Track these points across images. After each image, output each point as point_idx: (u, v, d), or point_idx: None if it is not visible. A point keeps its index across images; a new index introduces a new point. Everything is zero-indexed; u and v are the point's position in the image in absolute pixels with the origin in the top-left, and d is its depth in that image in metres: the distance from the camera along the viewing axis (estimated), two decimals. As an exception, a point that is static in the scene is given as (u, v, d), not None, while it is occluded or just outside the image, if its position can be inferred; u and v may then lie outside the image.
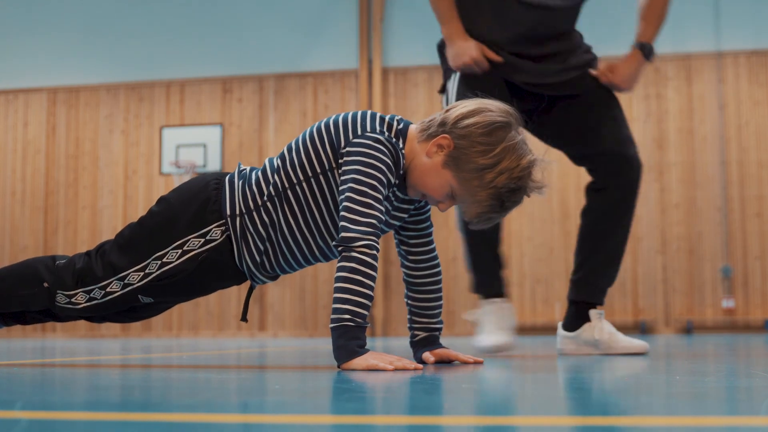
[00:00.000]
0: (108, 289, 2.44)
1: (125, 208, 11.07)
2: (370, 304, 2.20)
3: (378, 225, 2.24)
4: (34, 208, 11.30)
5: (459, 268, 10.34)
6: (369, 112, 2.37)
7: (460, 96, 2.99)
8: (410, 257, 2.54)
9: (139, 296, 2.45)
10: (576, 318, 3.22)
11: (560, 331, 3.28)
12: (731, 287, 9.90)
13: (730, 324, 9.83)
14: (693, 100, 10.16)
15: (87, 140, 11.33)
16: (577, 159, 3.27)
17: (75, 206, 11.20)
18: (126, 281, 2.43)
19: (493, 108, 2.29)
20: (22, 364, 2.77)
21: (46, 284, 2.46)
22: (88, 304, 2.46)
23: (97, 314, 2.51)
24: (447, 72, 3.27)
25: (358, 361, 2.13)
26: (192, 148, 10.61)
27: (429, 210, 2.54)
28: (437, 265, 2.55)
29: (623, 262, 3.32)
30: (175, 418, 1.17)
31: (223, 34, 11.15)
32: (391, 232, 2.55)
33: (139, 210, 10.96)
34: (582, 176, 3.53)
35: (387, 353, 2.20)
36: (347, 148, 2.29)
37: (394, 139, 2.32)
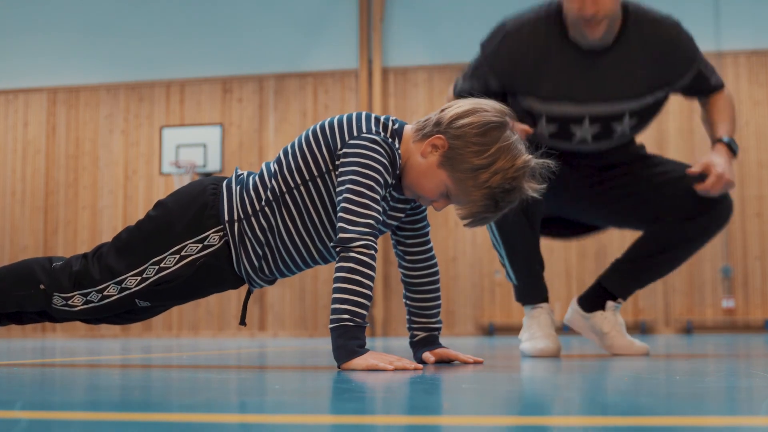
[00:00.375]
0: (105, 293, 2.44)
1: (125, 208, 11.07)
2: (369, 303, 2.20)
3: (376, 225, 2.24)
4: (34, 208, 11.30)
5: (459, 268, 10.34)
6: (364, 113, 2.37)
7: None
8: (407, 257, 2.54)
9: (136, 300, 2.45)
10: (593, 299, 3.19)
11: (575, 304, 3.25)
12: (731, 287, 9.90)
13: (730, 324, 9.84)
14: (693, 100, 10.15)
15: (87, 140, 11.33)
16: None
17: (75, 206, 11.20)
18: (123, 285, 2.43)
19: (488, 108, 2.29)
20: (22, 364, 2.77)
21: (42, 286, 2.46)
22: (84, 306, 2.45)
23: (94, 317, 2.51)
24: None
25: (358, 361, 2.13)
26: (192, 148, 10.61)
27: (425, 210, 2.54)
28: (435, 265, 2.56)
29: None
30: (175, 418, 1.17)
31: (223, 34, 11.15)
32: (388, 233, 2.55)
33: (139, 210, 10.96)
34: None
35: (387, 353, 2.20)
36: (344, 150, 2.29)
37: (389, 139, 2.32)
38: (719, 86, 3.14)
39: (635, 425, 1.07)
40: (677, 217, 3.06)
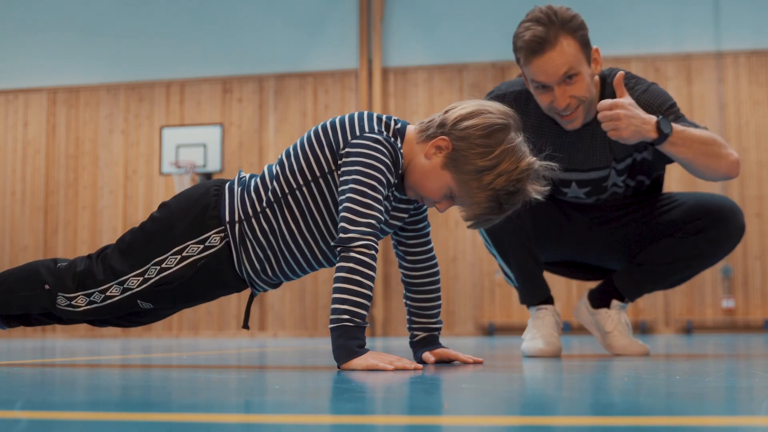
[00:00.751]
0: (108, 293, 2.44)
1: (125, 208, 11.07)
2: (368, 303, 2.20)
3: (377, 225, 2.24)
4: (34, 208, 11.30)
5: (459, 268, 10.33)
6: (366, 113, 2.37)
7: None
8: (408, 258, 2.54)
9: (139, 301, 2.45)
10: (601, 295, 3.19)
11: (585, 297, 3.25)
12: (731, 287, 9.90)
13: (730, 324, 9.83)
14: (693, 100, 10.16)
15: (87, 140, 11.33)
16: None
17: (75, 206, 11.20)
18: (125, 286, 2.43)
19: (493, 110, 2.29)
20: (22, 364, 2.77)
21: (47, 286, 2.47)
22: (88, 307, 2.46)
23: (98, 318, 2.51)
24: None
25: (358, 361, 2.13)
26: (192, 148, 10.61)
27: (426, 210, 2.54)
28: (435, 265, 2.56)
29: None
30: (175, 418, 1.17)
31: (223, 34, 11.15)
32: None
33: (139, 210, 10.96)
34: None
35: (387, 353, 2.20)
36: (346, 149, 2.29)
37: (392, 139, 2.32)
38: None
39: (635, 425, 1.07)
40: (686, 231, 3.05)
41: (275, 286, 2.53)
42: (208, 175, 10.53)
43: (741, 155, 10.03)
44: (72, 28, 11.45)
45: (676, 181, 10.01)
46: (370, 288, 2.20)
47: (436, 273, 2.56)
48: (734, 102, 10.14)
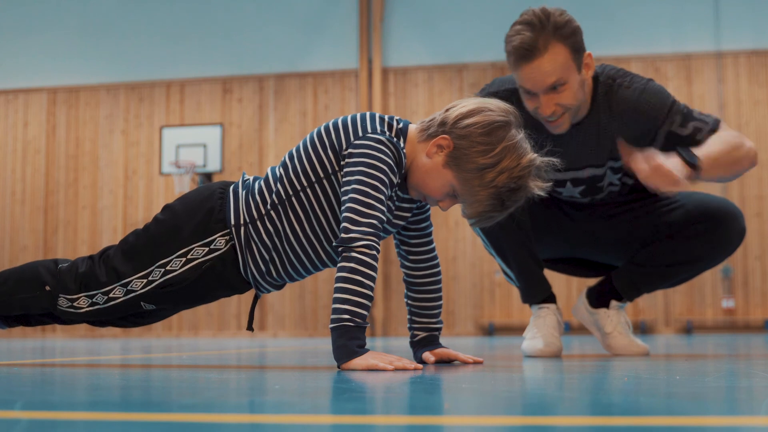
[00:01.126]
0: (111, 295, 2.44)
1: (125, 208, 11.07)
2: (369, 304, 2.20)
3: (379, 225, 2.24)
4: (34, 208, 11.30)
5: (459, 268, 10.33)
6: (368, 113, 2.37)
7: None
8: (410, 257, 2.54)
9: (142, 303, 2.45)
10: (600, 295, 3.19)
11: (583, 296, 3.24)
12: (731, 287, 9.90)
13: (730, 324, 9.83)
14: (693, 100, 10.16)
15: (87, 140, 11.33)
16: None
17: (75, 206, 11.20)
18: (129, 287, 2.43)
19: (493, 107, 2.29)
20: (22, 364, 2.77)
21: (48, 288, 2.46)
22: (90, 308, 2.46)
23: (99, 319, 2.51)
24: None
25: (358, 361, 2.13)
26: (192, 148, 10.61)
27: (429, 210, 2.54)
28: (437, 265, 2.56)
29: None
30: (175, 418, 1.17)
31: (223, 34, 11.15)
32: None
33: (139, 210, 10.96)
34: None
35: (387, 353, 2.20)
36: (349, 150, 2.29)
37: (395, 139, 2.32)
38: (702, 139, 2.86)
39: (635, 425, 1.07)
40: (686, 235, 3.04)
41: (279, 287, 2.53)
42: (208, 175, 10.53)
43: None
44: (72, 28, 11.45)
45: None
46: (371, 288, 2.20)
47: (438, 273, 2.56)
48: (734, 102, 10.14)
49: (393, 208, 2.39)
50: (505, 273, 3.19)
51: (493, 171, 2.23)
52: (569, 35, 2.76)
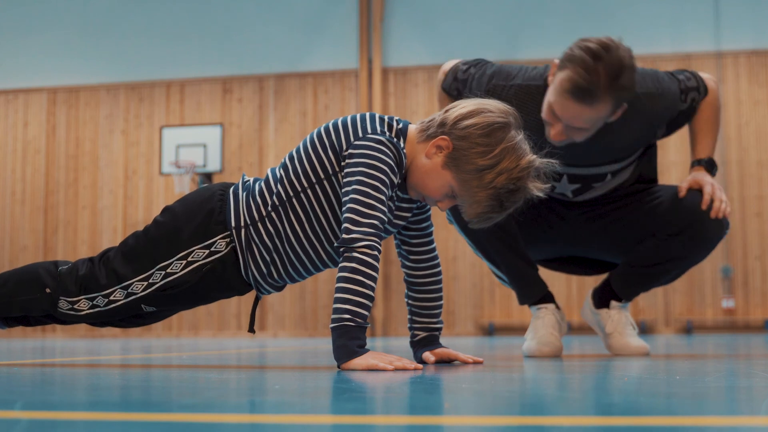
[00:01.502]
0: (111, 297, 2.44)
1: (125, 208, 11.07)
2: (370, 304, 2.20)
3: (380, 226, 2.24)
4: (34, 208, 11.30)
5: (459, 268, 10.34)
6: (368, 114, 2.37)
7: None
8: (411, 257, 2.54)
9: (142, 305, 2.45)
10: (601, 296, 3.21)
11: (588, 297, 3.25)
12: (731, 287, 9.90)
13: (730, 324, 9.83)
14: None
15: (87, 140, 11.33)
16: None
17: (75, 206, 11.20)
18: (129, 290, 2.43)
19: (493, 108, 2.29)
20: (22, 364, 2.77)
21: (48, 290, 2.46)
22: (91, 311, 2.46)
23: (99, 320, 2.51)
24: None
25: (358, 361, 2.13)
26: (192, 148, 10.61)
27: (429, 210, 2.54)
28: (438, 265, 2.56)
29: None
30: (175, 418, 1.17)
31: (223, 34, 11.15)
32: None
33: (139, 210, 10.96)
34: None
35: (387, 353, 2.20)
36: (349, 150, 2.29)
37: (395, 139, 2.32)
38: (697, 104, 3.04)
39: (635, 425, 1.07)
40: (669, 233, 3.04)
41: (280, 288, 2.53)
42: (208, 175, 10.53)
43: (741, 155, 10.04)
44: (72, 28, 11.45)
45: (676, 180, 10.01)
46: (372, 288, 2.20)
47: (439, 273, 2.56)
48: (734, 102, 10.14)
49: (393, 208, 2.39)
50: (499, 276, 3.20)
51: (492, 172, 2.23)
52: (621, 89, 2.72)
